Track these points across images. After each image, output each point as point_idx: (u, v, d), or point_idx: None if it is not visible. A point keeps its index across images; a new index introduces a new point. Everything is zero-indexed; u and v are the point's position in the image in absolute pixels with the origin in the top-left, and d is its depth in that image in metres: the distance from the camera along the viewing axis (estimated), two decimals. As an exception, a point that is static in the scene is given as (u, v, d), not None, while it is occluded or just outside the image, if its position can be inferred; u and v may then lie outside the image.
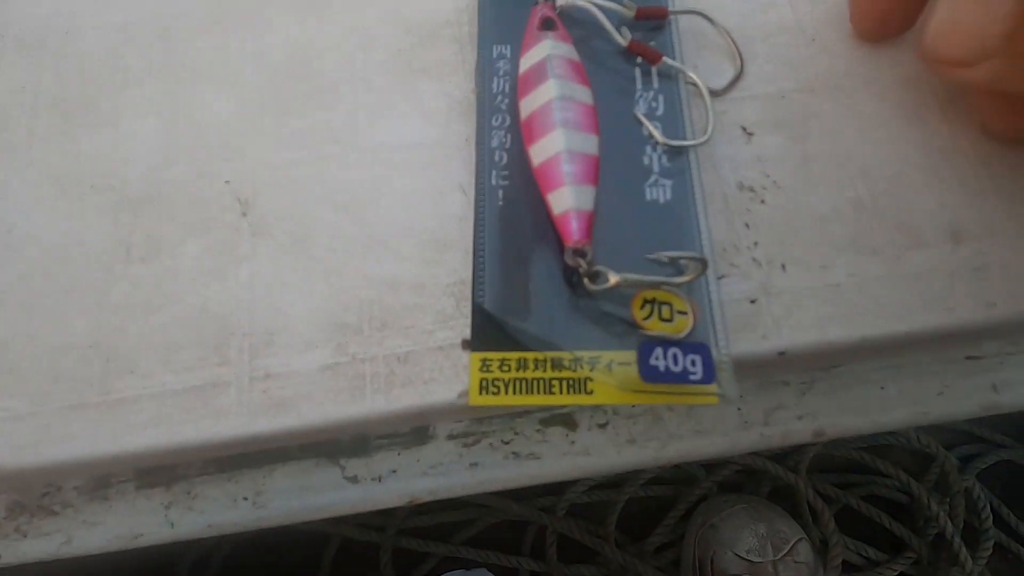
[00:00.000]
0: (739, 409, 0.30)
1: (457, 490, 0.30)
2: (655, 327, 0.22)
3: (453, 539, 0.88)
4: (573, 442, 0.30)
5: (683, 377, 0.21)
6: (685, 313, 0.22)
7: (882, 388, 0.30)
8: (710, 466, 0.88)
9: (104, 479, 0.28)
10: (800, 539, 0.76)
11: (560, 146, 0.23)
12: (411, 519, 0.88)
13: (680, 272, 0.23)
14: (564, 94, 0.25)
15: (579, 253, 0.22)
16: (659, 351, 0.21)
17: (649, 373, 0.21)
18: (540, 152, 0.24)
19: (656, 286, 0.21)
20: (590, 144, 0.24)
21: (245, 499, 0.29)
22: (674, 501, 0.86)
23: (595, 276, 0.22)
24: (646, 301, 0.22)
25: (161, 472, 0.28)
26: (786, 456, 0.86)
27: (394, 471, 0.30)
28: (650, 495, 0.87)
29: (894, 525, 0.87)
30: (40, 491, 0.28)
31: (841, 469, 0.91)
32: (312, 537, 0.88)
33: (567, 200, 0.22)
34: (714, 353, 0.22)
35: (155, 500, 0.29)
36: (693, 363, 0.21)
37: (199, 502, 0.29)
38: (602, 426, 0.30)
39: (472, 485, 0.30)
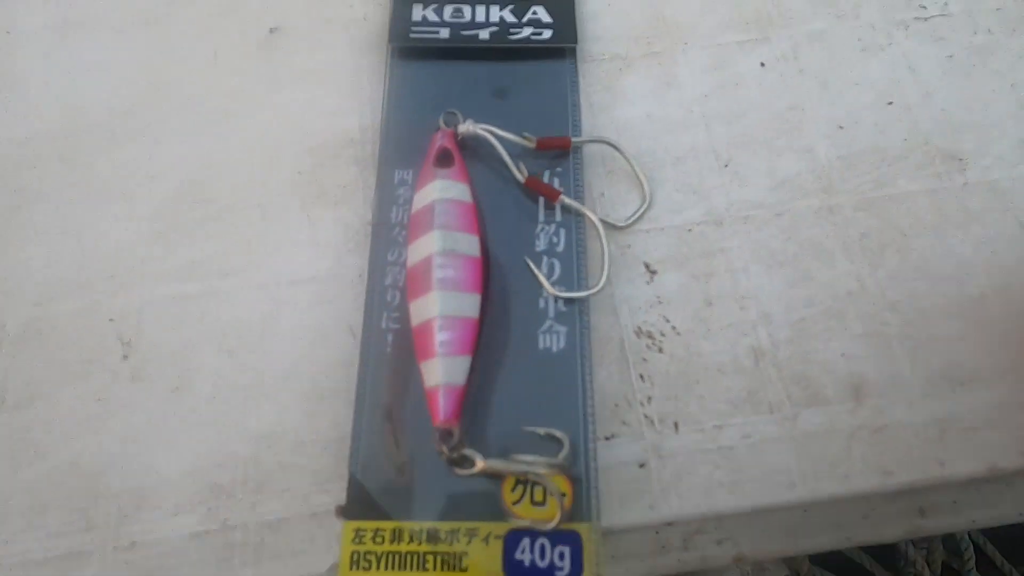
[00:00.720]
0: (656, 533, 0.29)
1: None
2: (525, 513, 0.21)
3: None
4: None
5: (549, 573, 0.20)
6: (563, 495, 0.21)
7: (804, 511, 0.29)
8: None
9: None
10: None
11: (435, 311, 0.22)
12: None
13: (557, 441, 0.22)
14: (446, 247, 0.24)
15: (444, 436, 0.21)
16: (526, 542, 0.20)
17: (513, 569, 0.20)
18: (417, 312, 0.23)
19: (522, 473, 0.20)
20: (469, 306, 0.23)
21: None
22: None
23: (460, 461, 0.21)
24: (518, 482, 0.21)
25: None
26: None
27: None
28: None
29: (873, 566, 0.86)
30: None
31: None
32: None
33: (437, 374, 0.21)
34: (585, 542, 0.21)
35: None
36: (561, 556, 0.20)
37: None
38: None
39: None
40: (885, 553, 0.86)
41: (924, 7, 0.32)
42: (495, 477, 0.21)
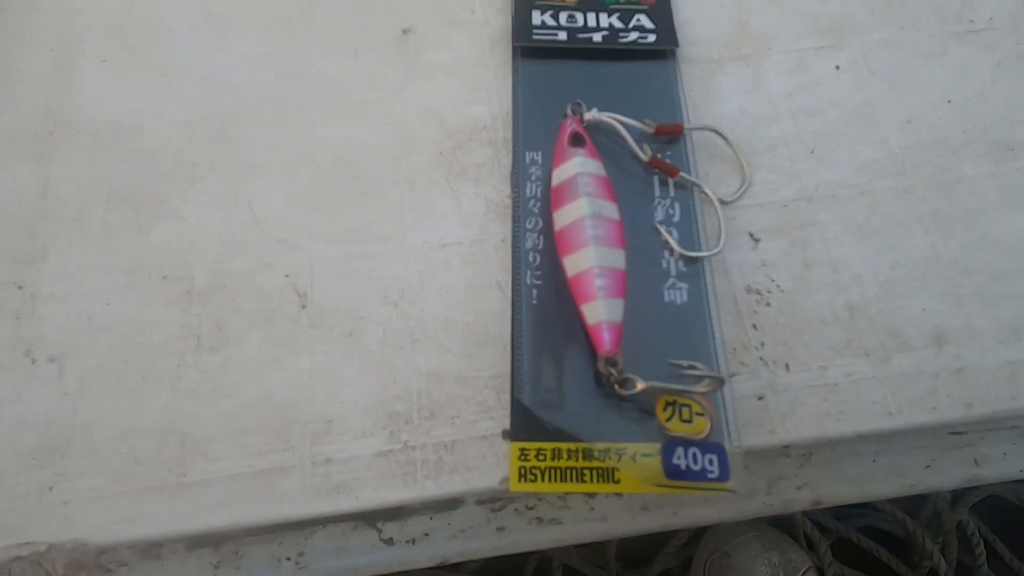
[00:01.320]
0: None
1: (485, 552, 0.33)
2: (676, 428, 0.25)
3: (460, 568, 0.89)
4: (592, 508, 0.33)
5: (702, 475, 0.24)
6: (703, 415, 0.25)
7: (874, 461, 0.33)
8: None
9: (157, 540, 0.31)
10: (809, 567, 0.79)
11: (592, 262, 0.26)
12: None
13: (698, 376, 0.26)
14: (594, 211, 0.28)
15: (611, 362, 0.25)
16: (680, 451, 0.24)
17: (672, 471, 0.24)
18: (573, 265, 0.27)
19: (677, 393, 0.24)
20: (618, 259, 0.27)
21: (288, 559, 0.32)
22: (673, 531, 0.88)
23: (624, 382, 0.25)
24: (668, 403, 0.25)
25: (211, 533, 0.31)
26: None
27: (427, 534, 0.32)
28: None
29: (891, 559, 0.90)
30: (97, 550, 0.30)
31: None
32: None
33: (600, 313, 0.26)
34: (728, 452, 0.25)
35: (204, 560, 0.31)
36: (710, 462, 0.24)
37: (246, 562, 0.31)
38: (619, 495, 0.33)
39: (499, 548, 0.33)
40: (903, 547, 0.90)
41: (973, 20, 0.36)
42: (652, 396, 0.25)
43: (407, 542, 0.32)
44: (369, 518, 0.32)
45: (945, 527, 0.92)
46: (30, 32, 0.36)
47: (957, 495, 0.94)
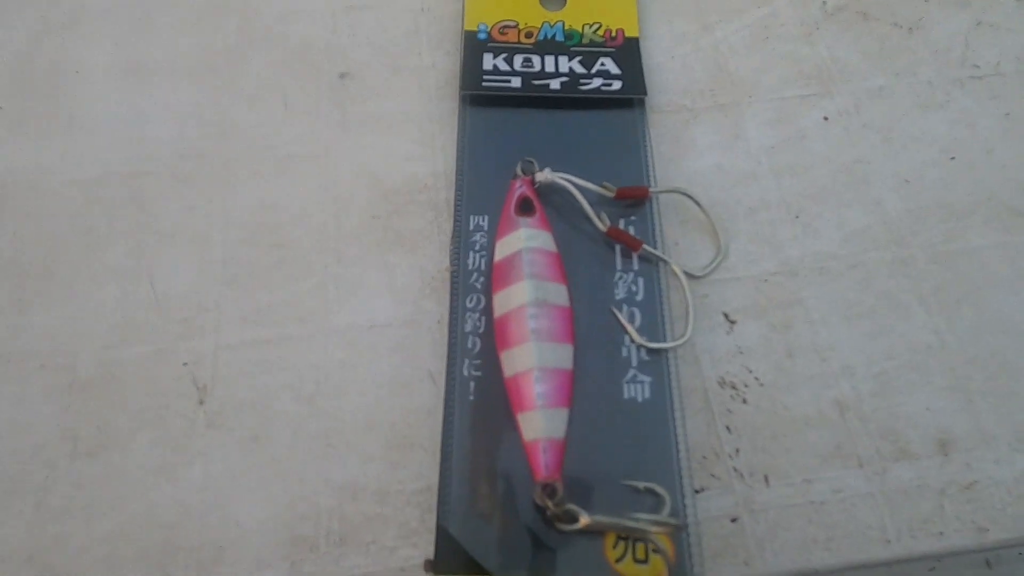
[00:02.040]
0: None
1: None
2: (628, 571, 0.20)
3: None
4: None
5: (658, 635, 0.19)
6: (659, 552, 0.20)
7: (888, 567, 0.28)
8: None
9: None
10: None
11: (532, 362, 0.22)
12: None
13: (656, 496, 0.22)
14: (538, 298, 0.24)
15: (548, 491, 0.20)
16: (633, 602, 0.20)
17: (622, 628, 0.19)
18: (510, 363, 0.23)
19: (628, 531, 0.20)
20: (564, 357, 0.23)
21: None
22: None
23: (563, 516, 0.20)
24: (620, 538, 0.21)
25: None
26: None
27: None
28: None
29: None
30: None
31: None
32: None
33: (537, 427, 0.21)
34: (691, 602, 0.20)
35: None
36: (670, 616, 0.20)
37: None
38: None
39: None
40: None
41: (978, 66, 0.33)
42: (596, 533, 0.21)
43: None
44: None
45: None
46: (-79, 77, 0.32)
47: None
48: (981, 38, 0.33)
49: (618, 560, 0.21)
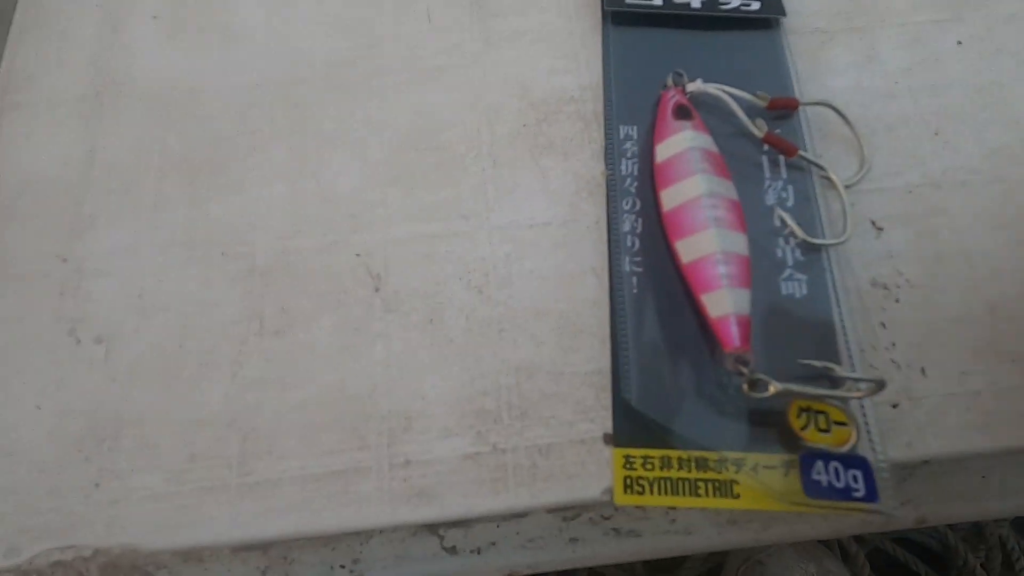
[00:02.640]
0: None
1: (556, 564, 0.30)
2: (814, 438, 0.21)
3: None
4: (673, 520, 0.29)
5: (846, 494, 0.21)
6: (844, 424, 0.22)
7: (983, 477, 0.29)
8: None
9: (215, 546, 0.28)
10: None
11: (714, 246, 0.23)
12: None
13: (829, 378, 0.23)
14: (712, 190, 0.25)
15: (741, 360, 0.21)
16: (820, 465, 0.21)
17: (812, 488, 0.21)
18: (690, 249, 0.24)
19: (821, 399, 0.21)
20: (741, 244, 0.24)
21: (343, 567, 0.29)
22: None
23: (755, 384, 0.21)
24: (802, 410, 0.22)
25: (278, 541, 0.28)
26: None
27: (493, 543, 0.29)
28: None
29: (928, 573, 0.86)
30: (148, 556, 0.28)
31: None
32: None
33: (726, 304, 0.22)
34: (874, 467, 0.21)
35: (251, 565, 0.28)
36: (855, 479, 0.21)
37: (296, 568, 0.28)
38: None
39: (572, 560, 0.29)
40: (939, 560, 0.86)
41: (1107, -4, 0.33)
42: (786, 400, 0.22)
43: (471, 551, 0.29)
44: (432, 524, 0.29)
45: (988, 541, 0.88)
46: (76, -14, 0.33)
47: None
48: (1113, -32, 0.34)
49: (802, 429, 0.22)
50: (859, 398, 0.21)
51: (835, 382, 0.23)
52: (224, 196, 0.29)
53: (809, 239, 0.26)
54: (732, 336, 0.22)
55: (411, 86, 0.31)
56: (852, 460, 0.21)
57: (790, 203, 0.28)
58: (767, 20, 0.32)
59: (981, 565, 0.83)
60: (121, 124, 0.30)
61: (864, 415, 0.23)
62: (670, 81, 0.29)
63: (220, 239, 0.28)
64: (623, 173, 0.28)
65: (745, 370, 0.21)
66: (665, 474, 0.23)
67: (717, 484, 0.23)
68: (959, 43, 0.32)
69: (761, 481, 0.22)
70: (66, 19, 0.33)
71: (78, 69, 0.31)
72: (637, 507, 0.29)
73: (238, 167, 0.29)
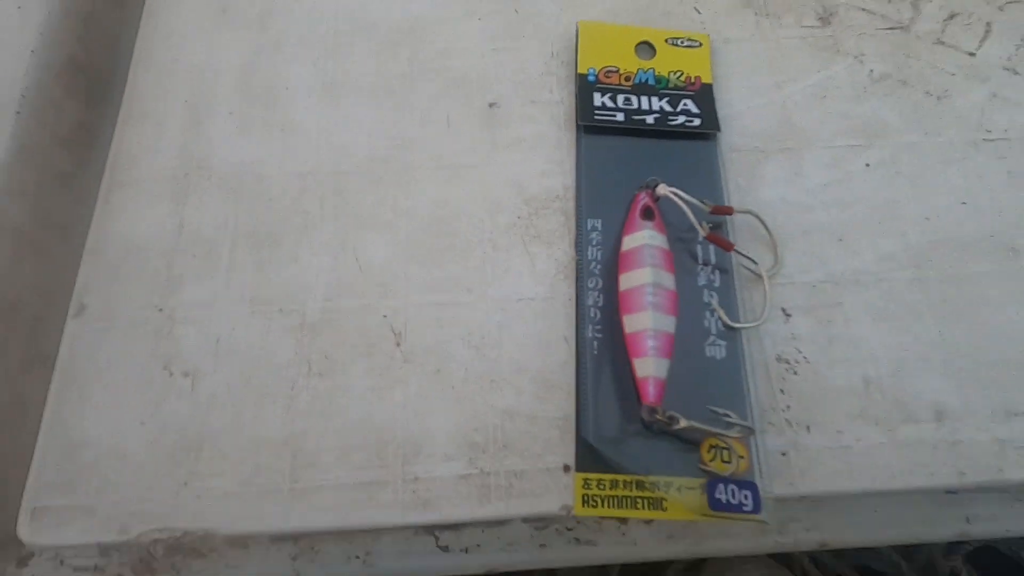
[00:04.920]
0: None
1: (527, 564, 0.38)
2: (719, 467, 0.30)
3: None
4: (624, 534, 0.37)
5: (739, 508, 0.29)
6: (742, 458, 0.30)
7: (875, 511, 0.37)
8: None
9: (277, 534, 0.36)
10: None
11: (648, 324, 0.32)
12: None
13: (732, 424, 0.31)
14: (656, 281, 0.33)
15: (651, 412, 0.30)
16: (722, 487, 0.29)
17: (715, 504, 0.29)
18: (631, 324, 0.32)
19: (714, 435, 0.29)
20: (670, 324, 0.32)
21: (357, 557, 0.37)
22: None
23: (670, 420, 0.30)
24: (712, 447, 0.30)
25: (316, 533, 0.36)
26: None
27: (478, 545, 0.37)
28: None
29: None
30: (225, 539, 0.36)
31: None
32: None
33: (648, 368, 0.31)
34: (760, 490, 0.30)
35: (284, 552, 0.36)
36: (746, 497, 0.29)
37: (321, 556, 0.37)
38: (648, 523, 0.38)
39: (540, 562, 0.37)
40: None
41: (990, 131, 0.41)
42: (692, 440, 0.30)
43: (460, 551, 0.37)
44: (431, 527, 0.37)
45: (939, 572, 0.95)
46: (168, 85, 0.42)
47: (952, 545, 0.97)
48: (995, 109, 0.42)
49: (711, 460, 0.30)
50: (735, 437, 0.29)
51: (728, 426, 0.31)
52: (282, 264, 0.37)
53: (730, 323, 0.34)
54: (649, 393, 0.30)
55: (432, 181, 0.40)
56: (744, 484, 0.29)
57: (716, 285, 0.36)
58: (705, 134, 0.40)
59: None
60: (203, 201, 0.39)
61: (758, 457, 0.31)
62: (645, 185, 0.38)
63: (278, 299, 0.36)
64: (588, 258, 0.37)
65: (658, 416, 0.30)
66: (613, 493, 0.31)
67: (651, 500, 0.31)
68: (867, 165, 0.40)
69: (682, 498, 0.30)
70: (161, 113, 0.41)
71: (170, 155, 0.40)
72: (594, 520, 0.37)
73: (292, 241, 0.38)
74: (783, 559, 0.88)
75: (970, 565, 0.95)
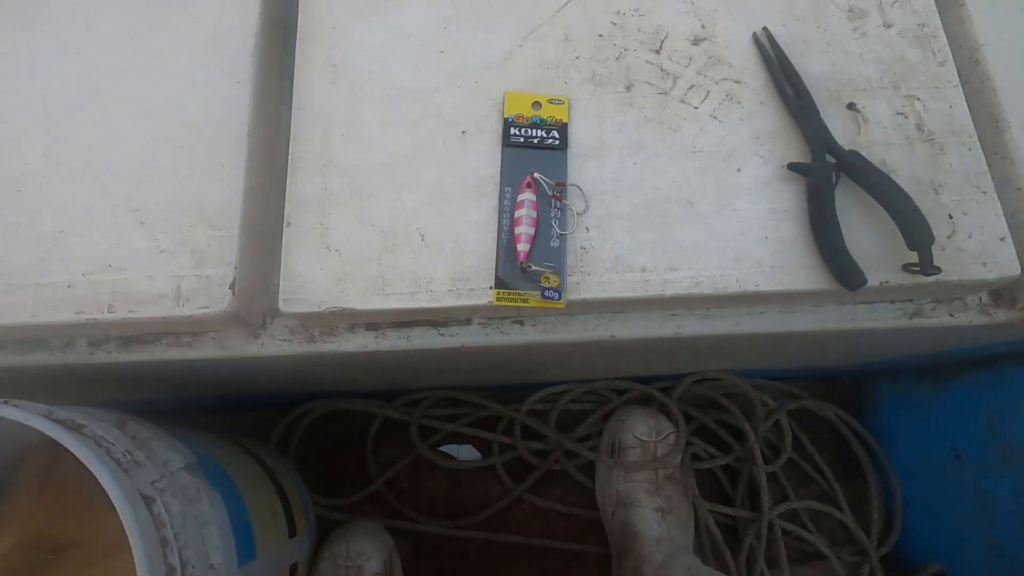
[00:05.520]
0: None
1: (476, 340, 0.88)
2: (544, 281, 0.79)
3: (456, 422, 1.45)
4: (516, 324, 0.88)
5: (553, 298, 0.78)
6: (557, 282, 0.79)
7: (618, 315, 0.88)
8: (620, 391, 1.45)
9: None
10: (671, 432, 1.34)
11: (524, 228, 0.81)
12: (430, 409, 1.45)
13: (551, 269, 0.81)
14: (528, 212, 0.82)
15: (522, 264, 0.79)
16: (547, 291, 0.79)
17: (545, 297, 0.79)
18: (519, 228, 0.81)
19: (544, 274, 0.79)
20: (532, 229, 0.81)
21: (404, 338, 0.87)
22: (592, 411, 1.44)
23: (528, 267, 0.79)
24: (544, 278, 0.80)
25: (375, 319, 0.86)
26: (667, 390, 1.43)
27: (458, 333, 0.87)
28: (577, 408, 1.45)
29: (728, 439, 1.45)
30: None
31: (700, 403, 1.49)
32: (363, 416, 1.44)
33: (523, 245, 0.80)
34: (562, 296, 0.79)
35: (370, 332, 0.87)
36: (557, 295, 0.79)
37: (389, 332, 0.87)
38: (520, 322, 0.88)
39: (486, 339, 0.88)
40: (742, 432, 1.44)
41: (695, 148, 0.90)
42: (536, 275, 0.80)
43: (449, 336, 0.87)
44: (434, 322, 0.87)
45: (768, 420, 1.47)
46: (313, 122, 0.90)
47: (780, 404, 1.48)
48: (702, 136, 0.90)
49: (543, 281, 0.80)
50: (553, 272, 0.79)
51: (550, 269, 0.80)
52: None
53: (559, 231, 0.83)
54: (521, 255, 0.80)
55: (437, 176, 0.88)
56: (556, 291, 0.79)
57: (558, 217, 0.85)
58: (561, 148, 0.89)
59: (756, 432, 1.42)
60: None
61: (564, 284, 0.81)
62: (529, 173, 0.86)
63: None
64: (504, 203, 0.85)
65: (524, 266, 0.79)
66: (508, 298, 0.80)
67: (522, 298, 0.80)
68: (634, 164, 0.89)
69: (532, 297, 0.80)
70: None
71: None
72: (501, 315, 0.86)
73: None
74: (660, 406, 1.39)
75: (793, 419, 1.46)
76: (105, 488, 0.73)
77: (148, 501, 0.77)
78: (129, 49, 0.85)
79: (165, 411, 1.38)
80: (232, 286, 0.76)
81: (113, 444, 0.80)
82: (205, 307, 0.75)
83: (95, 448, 0.77)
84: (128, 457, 0.80)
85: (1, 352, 0.82)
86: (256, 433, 1.39)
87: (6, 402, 0.75)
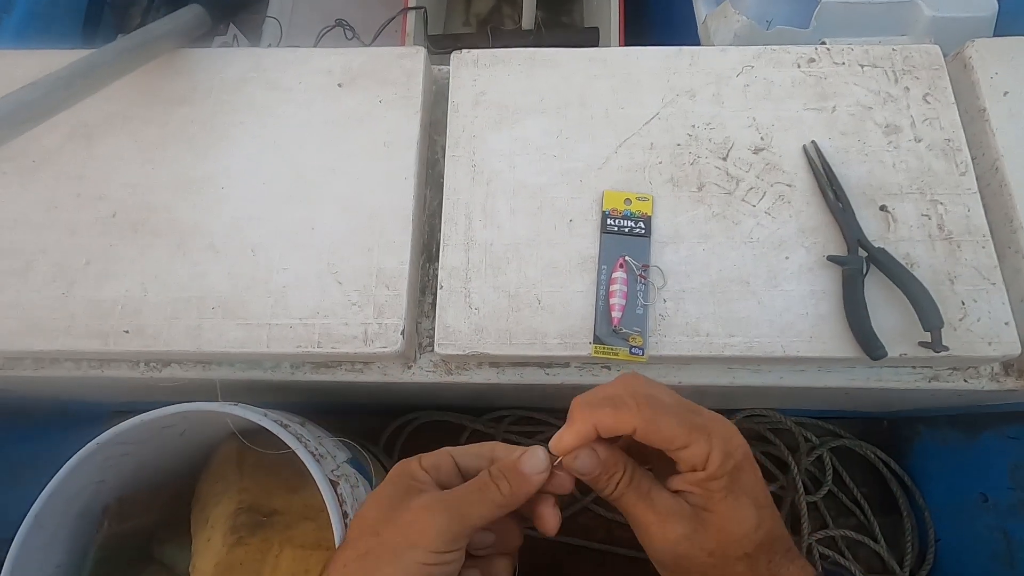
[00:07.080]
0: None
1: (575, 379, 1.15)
2: (633, 341, 1.05)
3: (535, 437, 1.71)
4: (604, 368, 1.14)
5: (639, 354, 1.05)
6: (641, 341, 1.05)
7: (691, 367, 1.13)
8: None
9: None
10: None
11: (616, 299, 1.07)
12: (511, 426, 1.71)
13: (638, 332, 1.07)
14: (620, 287, 1.08)
15: (615, 327, 1.05)
16: (635, 348, 1.05)
17: (633, 353, 1.05)
18: (612, 295, 1.08)
19: (632, 335, 1.05)
20: (623, 297, 1.08)
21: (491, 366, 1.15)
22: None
23: (620, 330, 1.05)
24: (632, 337, 1.06)
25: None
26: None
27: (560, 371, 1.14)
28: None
29: (774, 469, 1.66)
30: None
31: (749, 437, 1.70)
32: (456, 427, 1.73)
33: (615, 311, 1.06)
34: (644, 351, 1.05)
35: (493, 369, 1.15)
36: (640, 352, 1.05)
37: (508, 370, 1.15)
38: (607, 368, 1.14)
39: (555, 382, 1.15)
40: (786, 465, 1.65)
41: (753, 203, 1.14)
42: (627, 335, 1.06)
43: (553, 375, 1.14)
44: (542, 364, 1.14)
45: (811, 455, 1.67)
46: (457, 207, 1.20)
47: (822, 441, 1.67)
48: (758, 216, 1.15)
49: (631, 340, 1.06)
50: (639, 336, 1.04)
51: (637, 332, 1.06)
52: (501, 275, 1.14)
53: (643, 302, 1.09)
54: (615, 320, 1.06)
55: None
56: (640, 348, 1.05)
57: (642, 288, 1.11)
58: (646, 236, 1.15)
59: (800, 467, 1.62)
60: (474, 252, 1.16)
61: (647, 342, 1.06)
62: (621, 256, 1.13)
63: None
64: (601, 276, 1.12)
65: (616, 329, 1.05)
66: (603, 351, 1.07)
67: (614, 352, 1.07)
68: (702, 249, 1.14)
69: (622, 352, 1.06)
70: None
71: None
72: (596, 362, 1.13)
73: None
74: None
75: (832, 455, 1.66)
76: (311, 473, 1.03)
77: (333, 484, 1.07)
78: (329, 153, 1.17)
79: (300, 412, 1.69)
80: (403, 332, 1.06)
81: (309, 440, 1.10)
82: (384, 347, 1.04)
83: (298, 443, 1.07)
84: (318, 450, 1.10)
85: (230, 368, 1.14)
86: (364, 435, 1.69)
87: (237, 404, 1.06)
